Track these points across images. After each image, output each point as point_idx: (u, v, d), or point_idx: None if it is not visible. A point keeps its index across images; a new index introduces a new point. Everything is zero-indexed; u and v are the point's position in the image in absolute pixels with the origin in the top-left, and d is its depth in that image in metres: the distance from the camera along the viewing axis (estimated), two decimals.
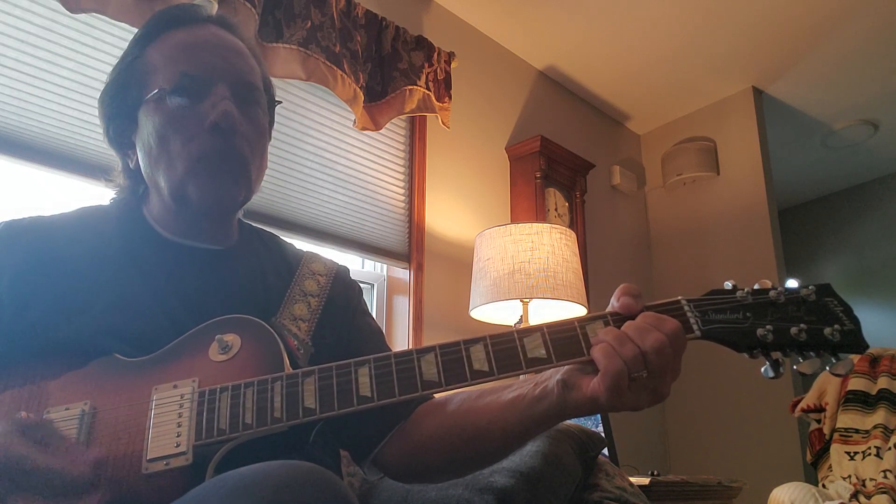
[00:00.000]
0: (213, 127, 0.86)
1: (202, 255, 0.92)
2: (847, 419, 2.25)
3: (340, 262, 1.06)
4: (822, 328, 0.69)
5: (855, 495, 2.05)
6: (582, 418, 1.98)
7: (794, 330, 0.69)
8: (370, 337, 0.99)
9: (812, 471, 2.41)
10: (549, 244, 2.15)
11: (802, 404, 2.41)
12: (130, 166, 0.94)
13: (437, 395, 0.89)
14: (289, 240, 1.08)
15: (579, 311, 2.20)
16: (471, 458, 0.84)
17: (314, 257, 1.02)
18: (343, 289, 1.00)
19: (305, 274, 0.97)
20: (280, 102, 1.01)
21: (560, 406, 0.72)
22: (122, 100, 0.92)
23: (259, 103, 0.94)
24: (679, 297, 0.73)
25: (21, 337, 0.79)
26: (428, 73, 2.41)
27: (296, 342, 0.86)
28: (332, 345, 0.92)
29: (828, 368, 0.69)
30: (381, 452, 0.89)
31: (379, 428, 0.89)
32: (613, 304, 0.73)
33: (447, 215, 2.54)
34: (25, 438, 0.66)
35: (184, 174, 0.86)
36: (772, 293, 0.71)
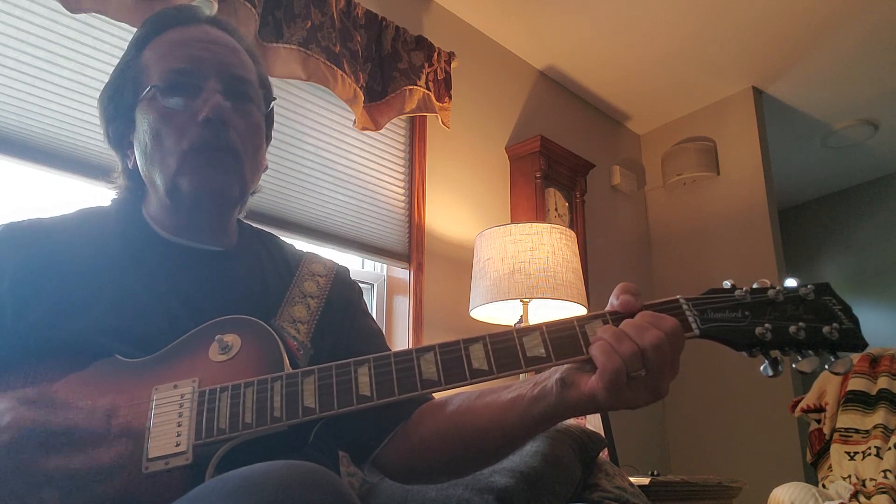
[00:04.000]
0: (205, 121, 0.86)
1: (202, 255, 0.92)
2: (847, 419, 2.25)
3: (340, 263, 1.06)
4: (821, 327, 0.69)
5: (855, 495, 2.05)
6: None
7: (792, 328, 0.69)
8: (370, 338, 0.99)
9: (812, 471, 2.41)
10: (549, 244, 2.16)
11: (802, 404, 2.41)
12: (129, 166, 0.95)
13: (437, 396, 0.89)
14: (289, 240, 1.08)
15: (579, 311, 2.20)
16: (470, 458, 0.84)
17: (314, 258, 1.02)
18: (343, 289, 1.00)
19: (305, 275, 0.97)
20: (275, 99, 1.01)
21: (558, 405, 0.72)
22: (119, 101, 0.93)
23: (252, 99, 0.94)
24: (678, 296, 0.73)
25: (22, 339, 0.79)
26: (428, 73, 2.41)
27: (295, 343, 0.86)
28: (332, 346, 0.92)
29: (827, 367, 0.69)
30: (380, 453, 0.89)
31: (379, 429, 0.89)
32: (612, 302, 0.73)
33: (447, 215, 2.55)
34: (34, 407, 0.66)
35: (177, 168, 0.87)
36: (770, 292, 0.71)
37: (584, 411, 0.72)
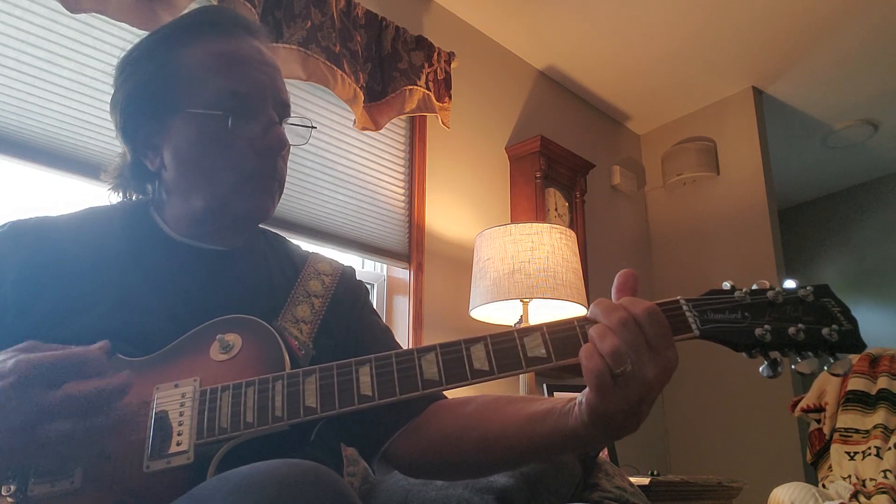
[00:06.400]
0: (267, 150, 0.89)
1: (208, 255, 0.92)
2: (847, 419, 2.26)
3: (346, 263, 1.06)
4: (820, 328, 0.69)
5: (855, 495, 2.05)
6: None
7: (792, 330, 0.69)
8: (379, 335, 0.99)
9: (812, 471, 2.41)
10: (549, 244, 2.16)
11: (802, 404, 2.41)
12: (151, 168, 0.92)
13: (450, 395, 0.89)
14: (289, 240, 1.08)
15: (579, 311, 2.21)
16: (490, 460, 0.83)
17: (320, 258, 1.02)
18: (349, 288, 1.00)
19: (310, 274, 0.97)
20: (314, 127, 1.03)
21: (580, 422, 0.70)
22: (153, 102, 0.89)
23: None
24: (678, 297, 0.73)
25: (25, 337, 0.78)
26: (428, 73, 2.41)
27: (297, 343, 0.87)
28: (338, 345, 0.92)
29: (826, 368, 0.69)
30: (391, 448, 0.89)
31: (389, 424, 0.89)
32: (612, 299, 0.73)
33: (447, 215, 2.55)
34: (34, 350, 0.67)
35: (230, 190, 0.88)
36: (770, 293, 0.71)
37: (594, 424, 0.69)
